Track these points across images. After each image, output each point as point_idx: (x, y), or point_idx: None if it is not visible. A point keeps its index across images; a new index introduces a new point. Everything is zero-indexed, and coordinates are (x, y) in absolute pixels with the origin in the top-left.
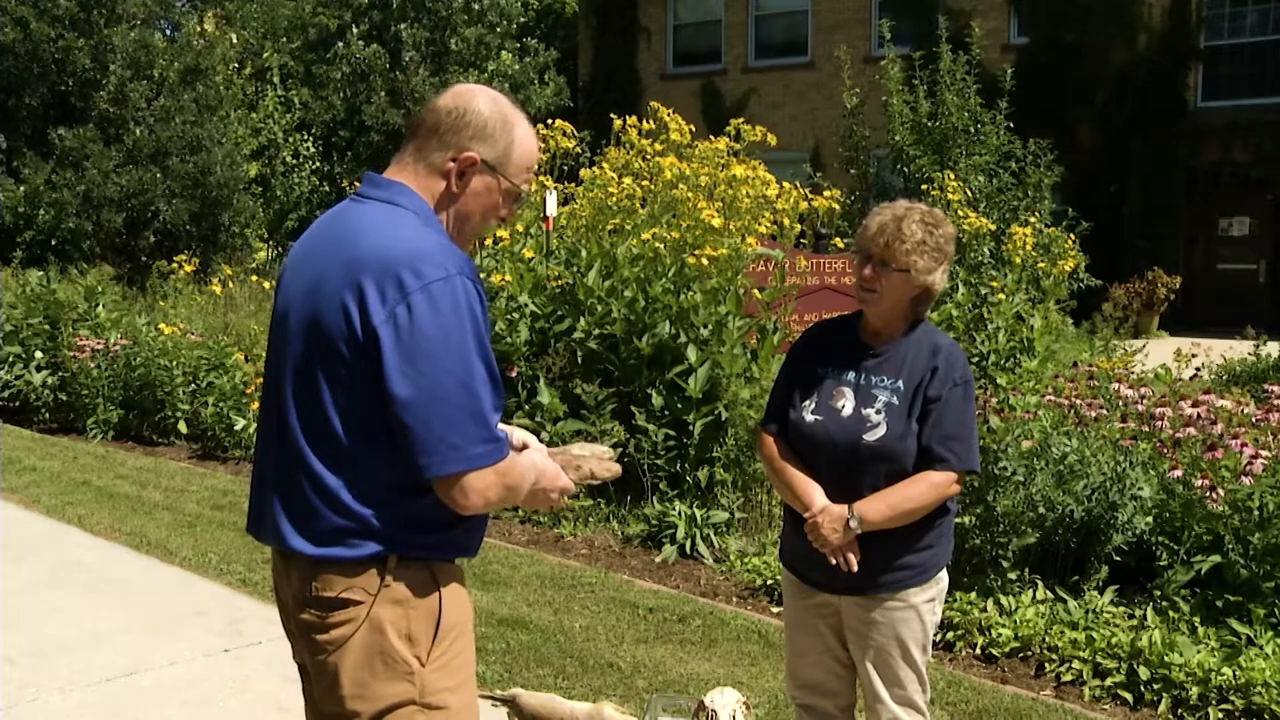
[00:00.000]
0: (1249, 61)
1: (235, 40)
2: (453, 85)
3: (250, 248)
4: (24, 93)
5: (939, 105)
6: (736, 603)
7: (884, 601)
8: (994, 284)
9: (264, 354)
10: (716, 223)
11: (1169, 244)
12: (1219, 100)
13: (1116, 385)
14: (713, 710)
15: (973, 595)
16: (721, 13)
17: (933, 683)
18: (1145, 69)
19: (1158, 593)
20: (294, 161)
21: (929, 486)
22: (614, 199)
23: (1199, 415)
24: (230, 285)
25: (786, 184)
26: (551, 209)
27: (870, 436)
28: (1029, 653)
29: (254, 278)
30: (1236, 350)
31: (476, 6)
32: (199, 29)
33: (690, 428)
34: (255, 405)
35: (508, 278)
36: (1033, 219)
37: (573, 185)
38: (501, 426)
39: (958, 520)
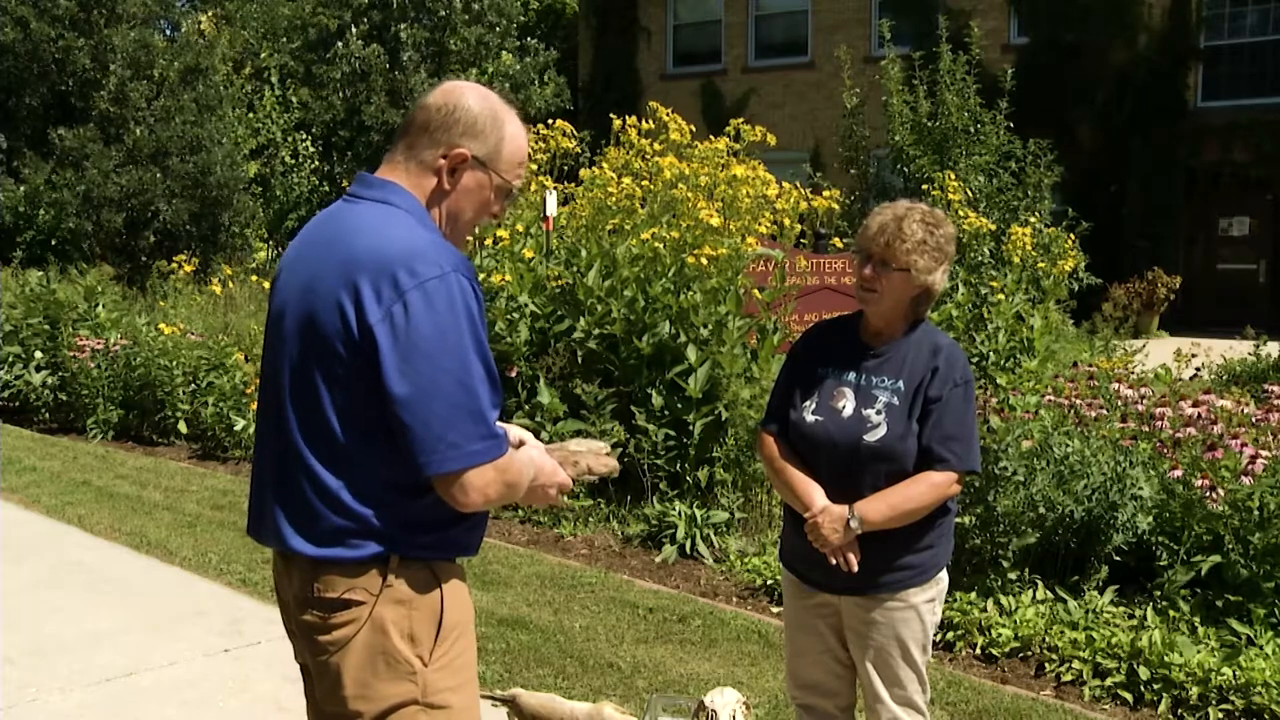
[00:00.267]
0: (1249, 61)
1: (231, 41)
2: (444, 82)
3: (250, 248)
4: (24, 93)
5: (939, 105)
6: (736, 603)
7: (884, 601)
8: (994, 284)
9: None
10: (716, 222)
11: (1169, 244)
12: (1219, 100)
13: (1116, 385)
14: (713, 710)
15: (973, 595)
16: (721, 13)
17: (933, 683)
18: (1145, 69)
19: (1158, 593)
20: (293, 161)
21: (929, 487)
22: (614, 199)
23: (1199, 415)
24: (230, 285)
25: (786, 184)
26: (551, 209)
27: (871, 437)
28: (1029, 653)
29: (254, 278)
30: (1236, 350)
31: (476, 6)
32: (198, 29)
33: (690, 428)
34: (255, 406)
35: (508, 278)
36: (1033, 219)
37: (572, 185)
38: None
39: (958, 520)
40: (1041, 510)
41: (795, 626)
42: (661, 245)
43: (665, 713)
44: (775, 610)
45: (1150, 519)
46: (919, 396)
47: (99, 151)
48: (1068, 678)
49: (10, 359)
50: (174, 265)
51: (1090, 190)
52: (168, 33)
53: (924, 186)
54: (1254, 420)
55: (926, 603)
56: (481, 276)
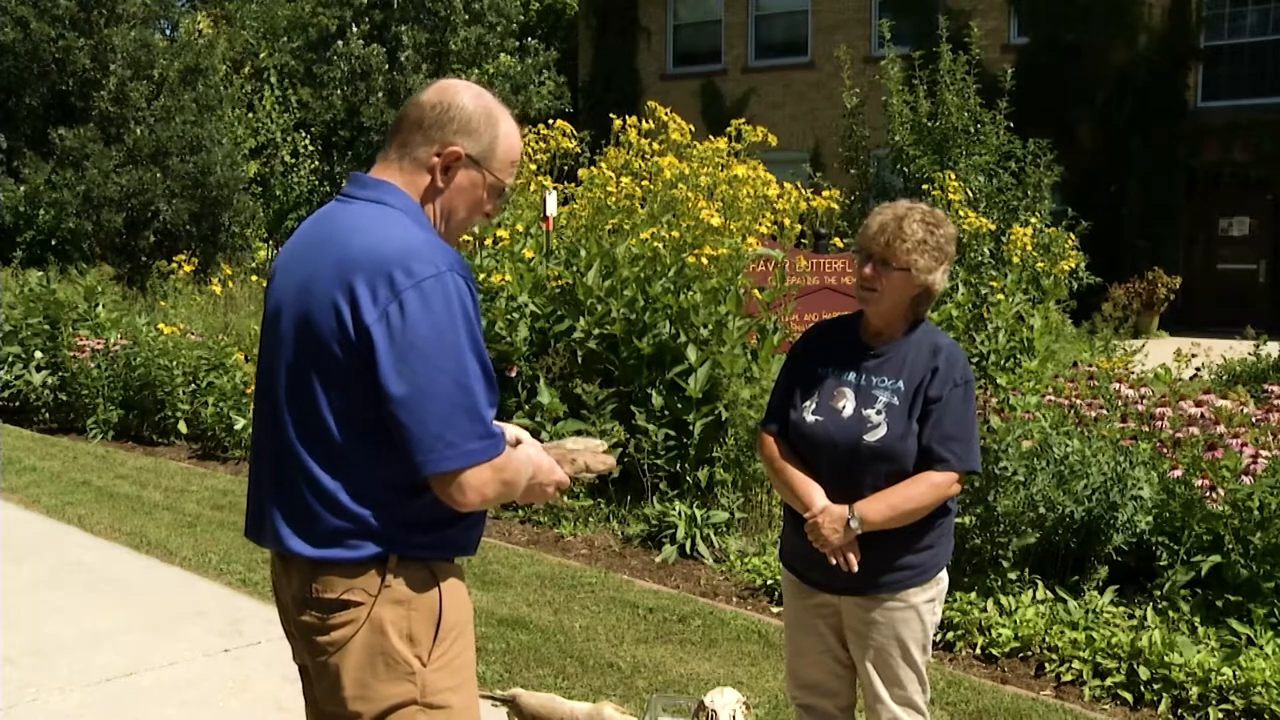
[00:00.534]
0: (1249, 61)
1: (230, 41)
2: (438, 80)
3: (250, 248)
4: (24, 93)
5: (939, 105)
6: (736, 603)
7: (884, 601)
8: (994, 284)
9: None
10: (716, 222)
11: (1169, 244)
12: (1219, 100)
13: (1116, 385)
14: (713, 710)
15: (973, 595)
16: (721, 13)
17: (933, 683)
18: (1145, 69)
19: (1158, 593)
20: (293, 161)
21: (929, 487)
22: (613, 199)
23: (1200, 415)
24: (230, 285)
25: (787, 184)
26: (551, 209)
27: (871, 437)
28: (1029, 653)
29: (254, 278)
30: (1236, 350)
31: (476, 6)
32: (197, 29)
33: (690, 428)
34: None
35: (508, 278)
36: (1033, 219)
37: (572, 185)
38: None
39: (958, 520)
40: (1041, 510)
41: (795, 626)
42: (661, 245)
43: (665, 713)
44: (775, 610)
45: (1150, 519)
46: (919, 396)
47: (99, 151)
48: (1068, 678)
49: (10, 359)
50: (174, 265)
51: (1090, 190)
52: (167, 33)
53: (924, 186)
54: (1254, 420)
55: (926, 603)
56: (481, 276)
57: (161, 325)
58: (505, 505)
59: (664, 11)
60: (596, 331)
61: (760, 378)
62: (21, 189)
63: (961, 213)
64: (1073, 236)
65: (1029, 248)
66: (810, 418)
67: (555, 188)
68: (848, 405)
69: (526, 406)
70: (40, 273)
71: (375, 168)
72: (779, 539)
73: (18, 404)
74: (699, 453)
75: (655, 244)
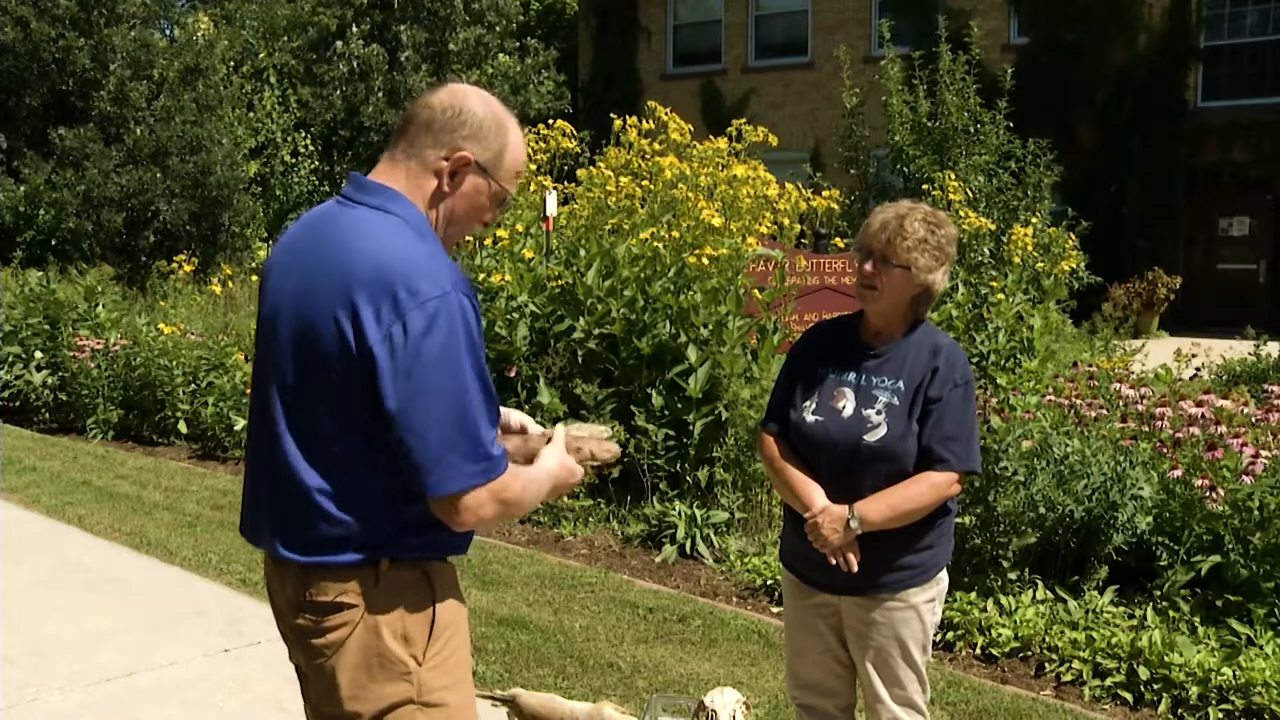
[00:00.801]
0: (1249, 61)
1: (230, 40)
2: (447, 83)
3: (250, 248)
4: (24, 93)
5: (939, 105)
6: (736, 603)
7: (884, 601)
8: (994, 284)
9: None
10: (716, 222)
11: (1169, 244)
12: (1219, 100)
13: (1116, 385)
14: (713, 710)
15: (973, 595)
16: (721, 13)
17: (933, 683)
18: (1145, 69)
19: (1158, 593)
20: (293, 161)
21: (929, 487)
22: (613, 199)
23: (1200, 415)
24: (230, 285)
25: (787, 184)
26: (551, 209)
27: (871, 437)
28: (1029, 653)
29: (254, 278)
30: (1236, 350)
31: (476, 6)
32: (199, 29)
33: (690, 428)
34: None
35: (508, 278)
36: (1033, 219)
37: (572, 185)
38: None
39: (958, 520)
40: (1041, 510)
41: (795, 626)
42: (661, 245)
43: (665, 713)
44: (775, 610)
45: (1150, 519)
46: (919, 397)
47: (99, 151)
48: (1068, 678)
49: (10, 359)
50: (174, 265)
51: (1090, 190)
52: (167, 33)
53: (924, 186)
54: (1254, 420)
55: (926, 603)
56: (481, 276)
57: (161, 325)
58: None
59: (664, 11)
60: (596, 331)
61: (760, 378)
62: (21, 189)
63: (961, 213)
64: (1073, 236)
65: (1030, 248)
66: (810, 418)
67: (555, 188)
68: (848, 405)
69: (526, 406)
70: (40, 273)
71: (379, 168)
72: (779, 539)
73: (18, 404)
74: (699, 453)
75: (655, 244)
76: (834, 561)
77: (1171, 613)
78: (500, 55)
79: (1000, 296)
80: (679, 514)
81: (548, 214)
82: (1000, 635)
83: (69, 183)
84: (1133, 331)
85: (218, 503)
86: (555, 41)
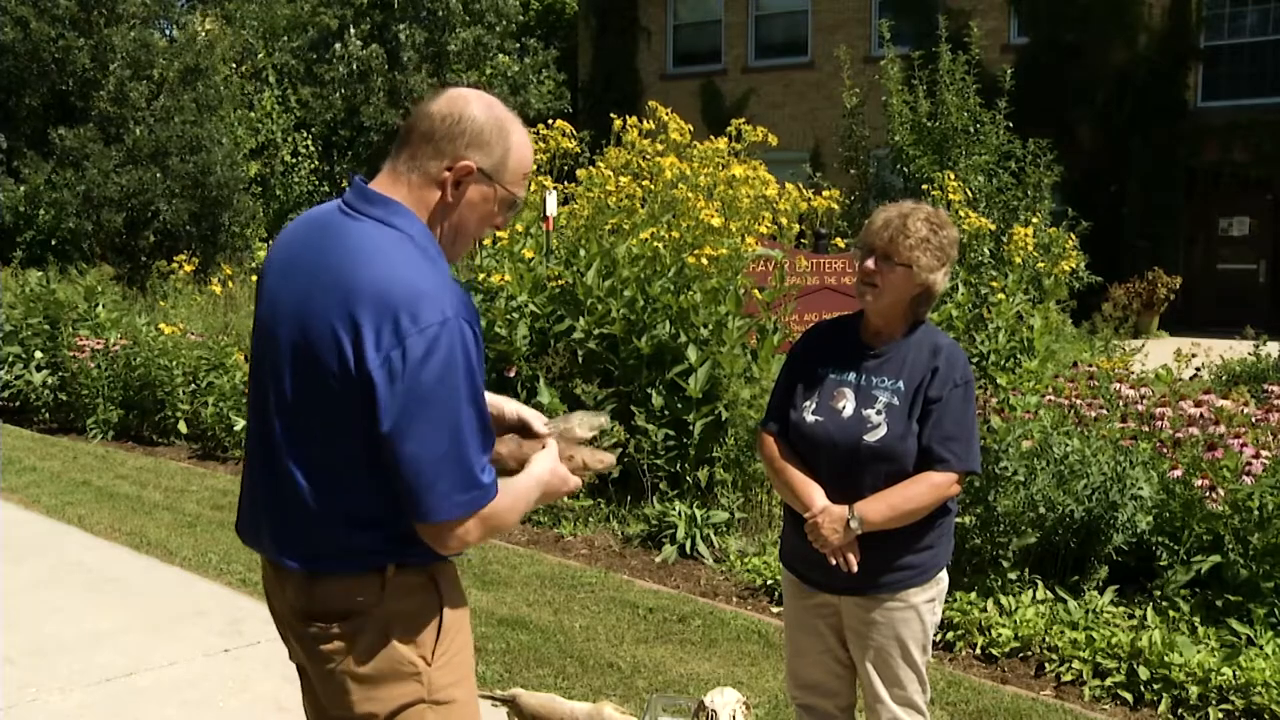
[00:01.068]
0: (1249, 61)
1: (230, 41)
2: (446, 89)
3: (250, 248)
4: (24, 93)
5: (939, 105)
6: (736, 603)
7: (884, 602)
8: (994, 284)
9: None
10: (716, 222)
11: (1169, 244)
12: (1219, 100)
13: (1116, 385)
14: (713, 710)
15: (973, 595)
16: (721, 13)
17: (933, 683)
18: (1145, 69)
19: (1158, 593)
20: (293, 160)
21: (929, 487)
22: (613, 199)
23: (1200, 415)
24: (230, 285)
25: (787, 184)
26: (551, 209)
27: (871, 437)
28: (1029, 653)
29: (254, 278)
30: (1236, 350)
31: (476, 7)
32: (202, 29)
33: (690, 428)
34: None
35: (507, 278)
36: (1033, 219)
37: (572, 185)
38: (498, 401)
39: (958, 520)
40: (1041, 510)
41: (795, 626)
42: (661, 245)
43: (665, 713)
44: (775, 610)
45: (1150, 519)
46: (919, 397)
47: (99, 151)
48: (1068, 678)
49: (10, 359)
50: (174, 265)
51: (1090, 190)
52: (167, 33)
53: (924, 186)
54: (1254, 420)
55: (926, 603)
56: (481, 276)
57: (161, 325)
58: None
59: (664, 11)
60: (596, 331)
61: (760, 378)
62: (21, 189)
63: (962, 213)
64: (1073, 236)
65: (1030, 248)
66: (810, 418)
67: (555, 188)
68: (848, 405)
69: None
70: (40, 273)
71: (382, 179)
72: (779, 539)
73: (18, 404)
74: (699, 453)
75: (655, 244)
76: (834, 562)
77: (1171, 613)
78: (500, 55)
79: (1000, 296)
80: (679, 514)
81: (548, 214)
82: (1000, 635)
83: (69, 183)
84: (1133, 331)
85: (218, 503)
86: (555, 41)
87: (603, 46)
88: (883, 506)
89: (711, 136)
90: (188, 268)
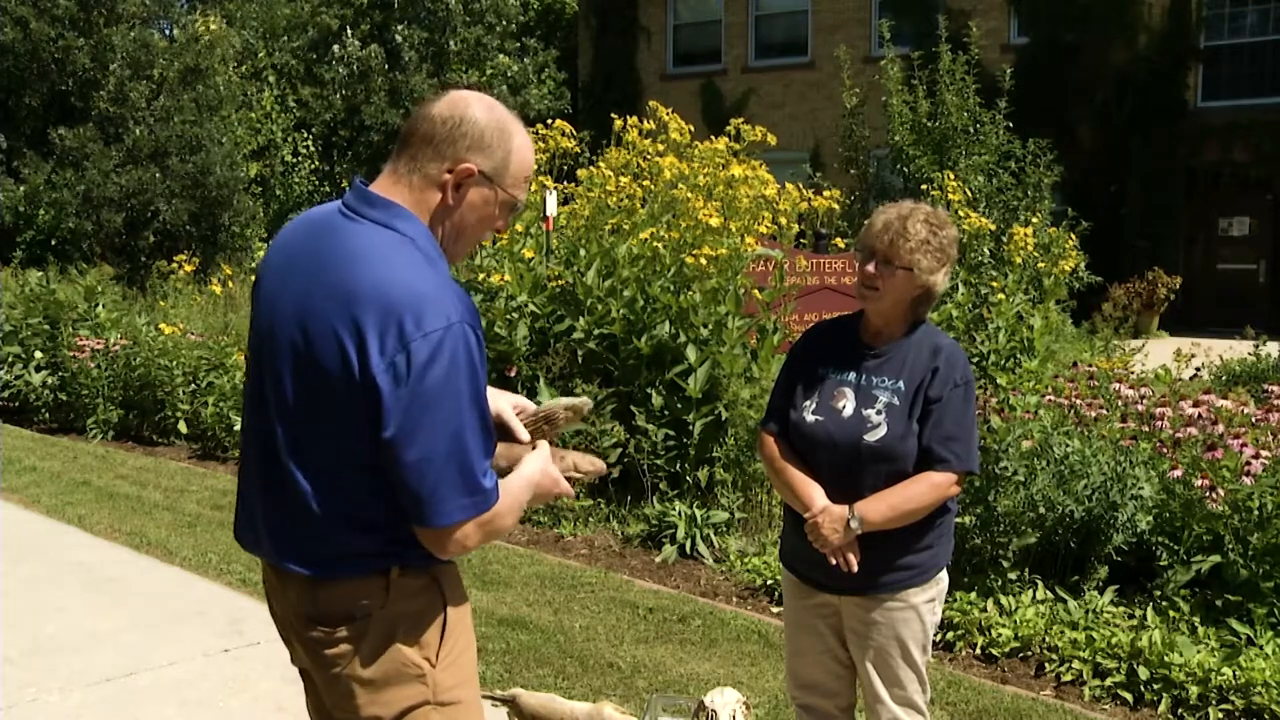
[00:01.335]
0: (1249, 61)
1: (237, 42)
2: (448, 90)
3: (250, 248)
4: (24, 92)
5: (939, 105)
6: (736, 603)
7: (884, 602)
8: (994, 284)
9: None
10: (715, 222)
11: (1169, 244)
12: (1219, 100)
13: (1116, 385)
14: (713, 710)
15: (973, 595)
16: (721, 13)
17: (933, 683)
18: (1145, 69)
19: (1158, 593)
20: (293, 160)
21: (929, 487)
22: (613, 199)
23: (1200, 415)
24: (230, 285)
25: (787, 184)
26: (551, 209)
27: (871, 437)
28: (1029, 653)
29: (254, 278)
30: (1236, 350)
31: (475, 7)
32: (204, 29)
33: (690, 428)
34: None
35: (507, 278)
36: (1033, 219)
37: (572, 185)
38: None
39: (958, 520)
40: (1041, 510)
41: (795, 626)
42: (661, 245)
43: (665, 713)
44: (775, 610)
45: (1150, 519)
46: (919, 397)
47: (99, 151)
48: (1068, 678)
49: (10, 359)
50: (174, 265)
51: (1090, 190)
52: (167, 33)
53: (924, 186)
54: (1254, 420)
55: (926, 603)
56: (481, 276)
57: (161, 325)
58: None
59: (664, 11)
60: (596, 331)
61: (760, 378)
62: (21, 189)
63: (962, 213)
64: (1073, 236)
65: (1030, 248)
66: (810, 417)
67: (555, 188)
68: (848, 405)
69: None
70: (40, 273)
71: (382, 181)
72: (779, 539)
73: (18, 404)
74: (699, 453)
75: (655, 244)
76: (834, 562)
77: (1171, 613)
78: (500, 56)
79: (1000, 296)
80: (679, 514)
81: (548, 214)
82: (1000, 635)
83: (69, 183)
84: (1133, 331)
85: (218, 503)
86: (555, 41)
87: (603, 46)
88: (883, 506)
89: (711, 136)
90: (188, 268)
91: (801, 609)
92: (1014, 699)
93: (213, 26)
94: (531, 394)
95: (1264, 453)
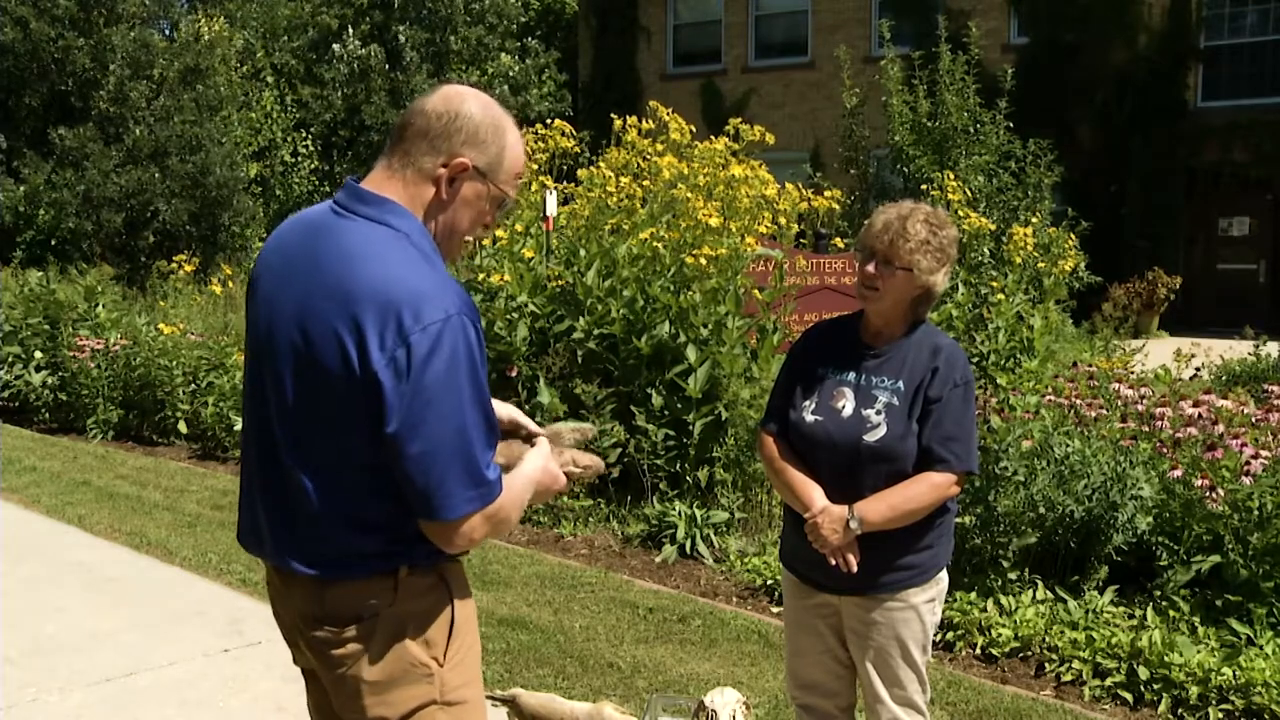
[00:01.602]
0: (1249, 61)
1: (238, 42)
2: (442, 86)
3: (250, 248)
4: (24, 92)
5: (939, 105)
6: (736, 603)
7: (884, 602)
8: (994, 284)
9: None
10: (714, 222)
11: (1169, 244)
12: (1219, 100)
13: (1116, 385)
14: (713, 710)
15: (973, 595)
16: (721, 13)
17: (933, 683)
18: (1145, 69)
19: (1158, 593)
20: (292, 160)
21: (929, 487)
22: (613, 199)
23: (1200, 415)
24: (230, 285)
25: (787, 184)
26: (551, 209)
27: (870, 437)
28: (1029, 653)
29: (248, 280)
30: (1236, 350)
31: (476, 7)
32: (206, 29)
33: (690, 428)
34: None
35: (507, 278)
36: (1033, 219)
37: (572, 185)
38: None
39: (958, 520)
40: (1041, 510)
41: (795, 626)
42: (661, 245)
43: (665, 713)
44: (775, 610)
45: (1150, 519)
46: (919, 397)
47: (99, 151)
48: (1068, 678)
49: (10, 359)
50: (174, 265)
51: (1090, 190)
52: (167, 33)
53: (924, 186)
54: (1254, 420)
55: (926, 603)
56: (481, 276)
57: (161, 325)
58: None
59: (664, 11)
60: (596, 331)
61: (760, 378)
62: (21, 189)
63: (962, 213)
64: (1073, 236)
65: (1030, 248)
66: (810, 418)
67: (555, 188)
68: (847, 405)
69: (526, 406)
70: (40, 273)
71: (375, 176)
72: (779, 539)
73: (18, 404)
74: (699, 453)
75: (655, 244)
76: (834, 562)
77: (1171, 613)
78: (502, 55)
79: (1000, 296)
80: (679, 514)
81: (548, 214)
82: (1000, 635)
83: (69, 183)
84: (1133, 331)
85: (218, 503)
86: (555, 42)
87: (603, 46)
88: (882, 507)
89: (711, 137)
90: (187, 268)
91: (801, 609)
92: (1014, 699)
93: (216, 27)
94: (531, 394)
95: (1264, 453)
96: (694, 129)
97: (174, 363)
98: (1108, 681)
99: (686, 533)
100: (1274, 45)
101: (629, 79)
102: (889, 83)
